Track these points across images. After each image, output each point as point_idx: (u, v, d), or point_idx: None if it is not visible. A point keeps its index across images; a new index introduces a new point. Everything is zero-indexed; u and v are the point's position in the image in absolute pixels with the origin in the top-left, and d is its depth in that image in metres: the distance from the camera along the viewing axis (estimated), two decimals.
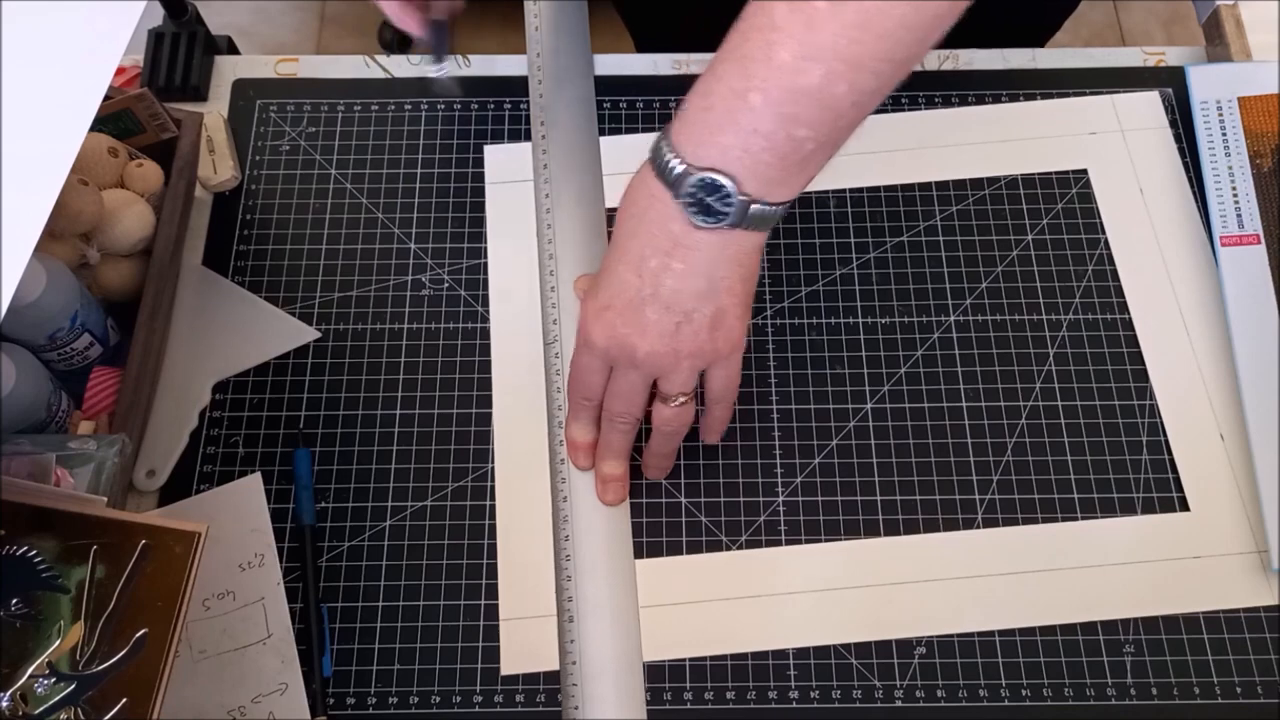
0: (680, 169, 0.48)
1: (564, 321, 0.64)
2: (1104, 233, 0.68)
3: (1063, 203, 0.70)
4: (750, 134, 0.47)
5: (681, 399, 0.55)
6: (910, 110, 0.72)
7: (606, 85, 0.74)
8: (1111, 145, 0.71)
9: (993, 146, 0.71)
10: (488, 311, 0.67)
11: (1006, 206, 0.70)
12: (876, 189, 0.70)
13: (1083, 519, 0.61)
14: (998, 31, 0.76)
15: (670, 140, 0.49)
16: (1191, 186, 0.70)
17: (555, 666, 0.57)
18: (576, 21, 0.73)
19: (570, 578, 0.58)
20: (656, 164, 0.50)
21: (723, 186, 0.48)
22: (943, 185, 0.70)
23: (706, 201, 0.48)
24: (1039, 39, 0.86)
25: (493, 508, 0.61)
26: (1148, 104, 0.72)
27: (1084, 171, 0.70)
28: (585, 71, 0.72)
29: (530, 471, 0.62)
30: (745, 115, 0.46)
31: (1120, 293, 0.67)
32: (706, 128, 0.48)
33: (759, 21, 0.46)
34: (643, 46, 0.94)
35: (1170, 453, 0.62)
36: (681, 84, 0.73)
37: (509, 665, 0.57)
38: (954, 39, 0.72)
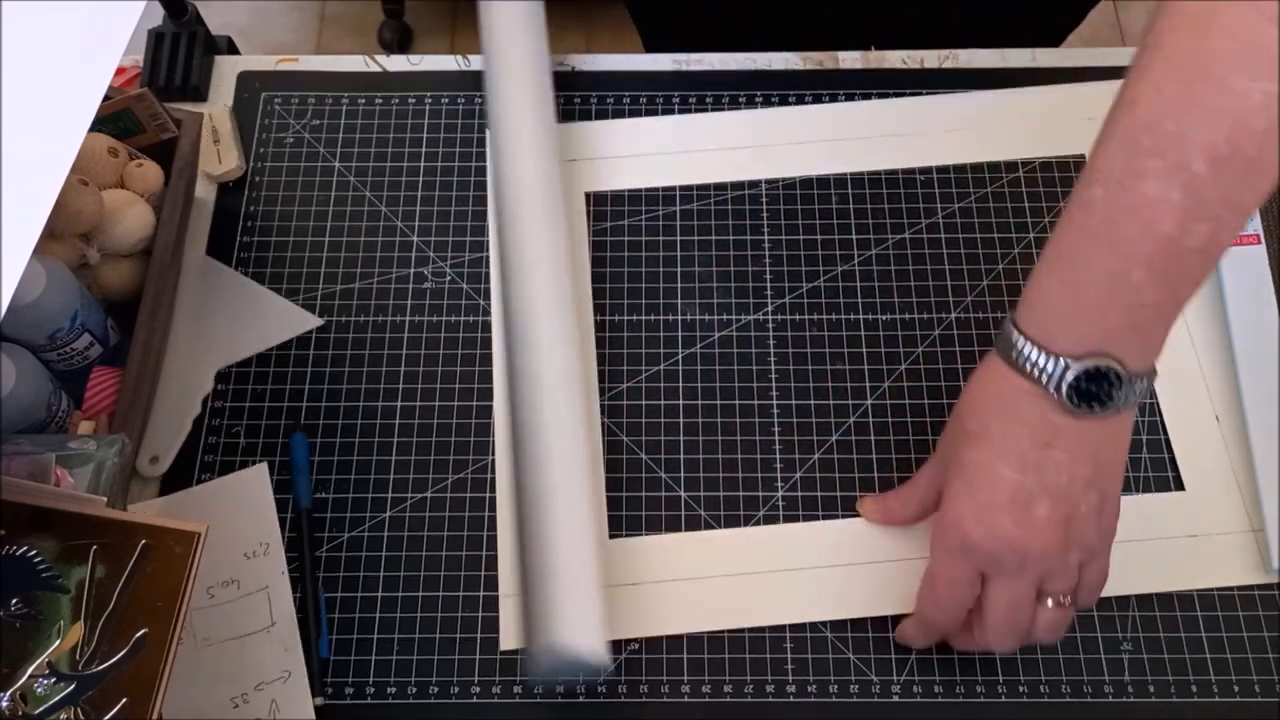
0: (1052, 360, 0.46)
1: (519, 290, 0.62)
2: None
3: (1064, 200, 0.70)
4: (1137, 309, 0.45)
5: (1065, 598, 0.51)
6: (911, 96, 0.73)
7: (606, 82, 0.74)
8: None
9: (990, 131, 0.71)
10: (489, 305, 0.67)
11: (1009, 204, 0.70)
12: (877, 176, 0.70)
13: None
14: (1014, 30, 0.76)
15: (1026, 331, 0.48)
16: None
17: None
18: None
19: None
20: (1014, 357, 0.48)
21: (1109, 371, 0.46)
22: (944, 181, 0.70)
23: (1091, 389, 0.46)
24: (1055, 37, 0.85)
25: (493, 500, 0.61)
26: None
27: (1083, 159, 0.70)
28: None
29: None
30: (1128, 293, 0.45)
31: None
32: (1081, 314, 0.46)
33: (1127, 202, 0.44)
34: (651, 46, 0.94)
35: (1166, 432, 0.63)
36: (681, 81, 0.74)
37: (508, 640, 0.58)
38: (970, 38, 0.72)
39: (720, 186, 0.70)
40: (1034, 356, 0.47)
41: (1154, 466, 0.62)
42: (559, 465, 0.56)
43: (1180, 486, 0.61)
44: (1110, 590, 0.57)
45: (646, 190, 0.70)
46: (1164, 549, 0.60)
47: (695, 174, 0.70)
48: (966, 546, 0.50)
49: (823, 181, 0.70)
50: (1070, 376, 0.46)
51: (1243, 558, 0.59)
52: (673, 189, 0.70)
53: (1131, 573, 0.58)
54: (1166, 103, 0.43)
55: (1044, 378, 0.47)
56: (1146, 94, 0.44)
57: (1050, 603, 0.51)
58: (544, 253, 0.61)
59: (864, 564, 0.60)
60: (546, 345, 0.59)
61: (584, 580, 0.54)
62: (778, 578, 0.59)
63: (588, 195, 0.70)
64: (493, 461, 0.62)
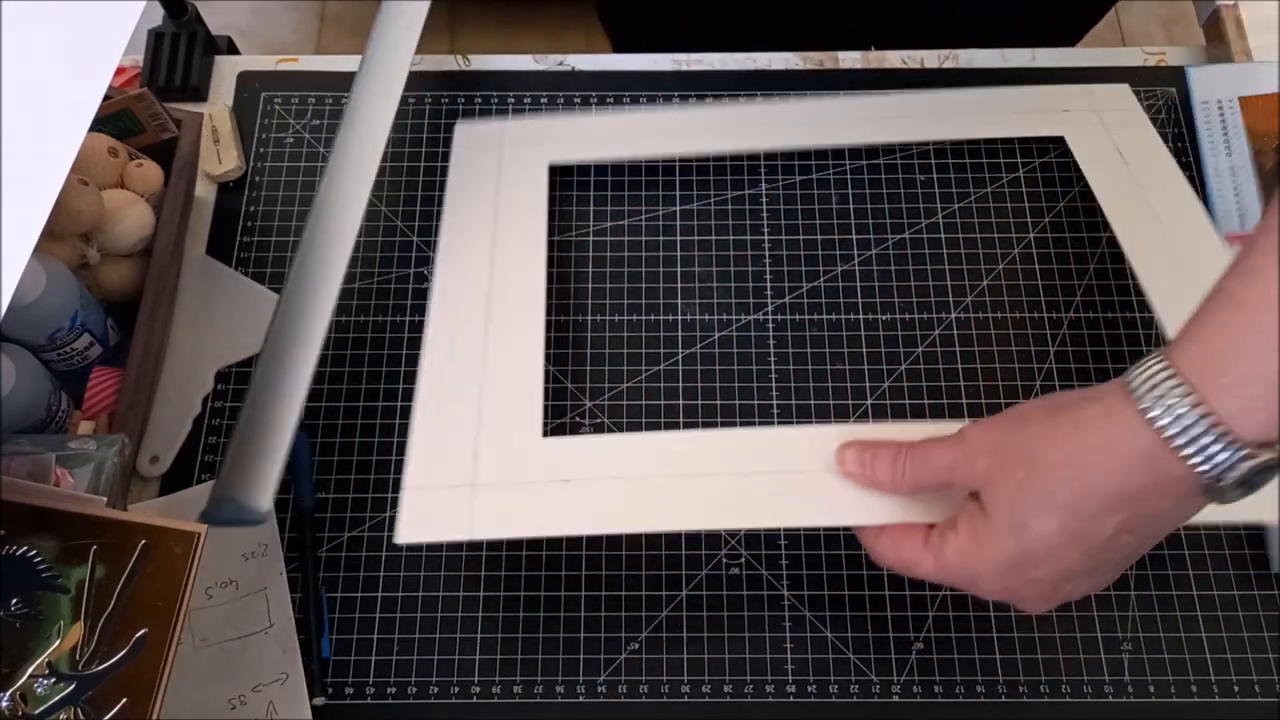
0: (1230, 451, 0.37)
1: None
2: (1105, 230, 0.68)
3: (1065, 200, 0.70)
4: None
5: None
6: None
7: (606, 82, 0.74)
8: (1099, 134, 0.71)
9: (979, 117, 0.72)
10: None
11: (1009, 204, 0.70)
12: (877, 177, 0.70)
13: None
14: (1015, 31, 0.76)
15: (1204, 402, 0.38)
16: (1192, 183, 0.70)
17: (462, 536, 0.53)
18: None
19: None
20: (1173, 430, 0.38)
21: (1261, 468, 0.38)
22: (944, 181, 0.70)
23: (1255, 481, 0.38)
24: (1060, 39, 0.85)
25: None
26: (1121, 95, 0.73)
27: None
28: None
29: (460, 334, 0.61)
30: None
31: (1123, 290, 0.67)
32: (1247, 401, 0.37)
33: None
34: (620, 48, 0.94)
35: None
36: (681, 81, 0.74)
37: (404, 534, 0.53)
38: (971, 38, 0.72)
39: (720, 172, 0.70)
40: (1207, 441, 0.37)
41: None
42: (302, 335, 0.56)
43: None
44: None
45: (612, 161, 0.71)
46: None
47: (670, 145, 0.70)
48: (971, 584, 0.46)
49: (823, 182, 0.70)
50: (1245, 469, 0.37)
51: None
52: (639, 163, 0.71)
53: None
54: None
55: (1210, 466, 0.38)
56: None
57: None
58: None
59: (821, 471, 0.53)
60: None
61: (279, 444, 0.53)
62: (732, 480, 0.54)
63: (552, 168, 0.69)
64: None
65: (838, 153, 0.71)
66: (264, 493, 0.52)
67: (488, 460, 0.56)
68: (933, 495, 0.49)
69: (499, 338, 0.61)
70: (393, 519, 0.61)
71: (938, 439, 0.47)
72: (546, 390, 0.64)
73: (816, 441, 0.53)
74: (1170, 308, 0.61)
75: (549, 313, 0.63)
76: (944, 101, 0.72)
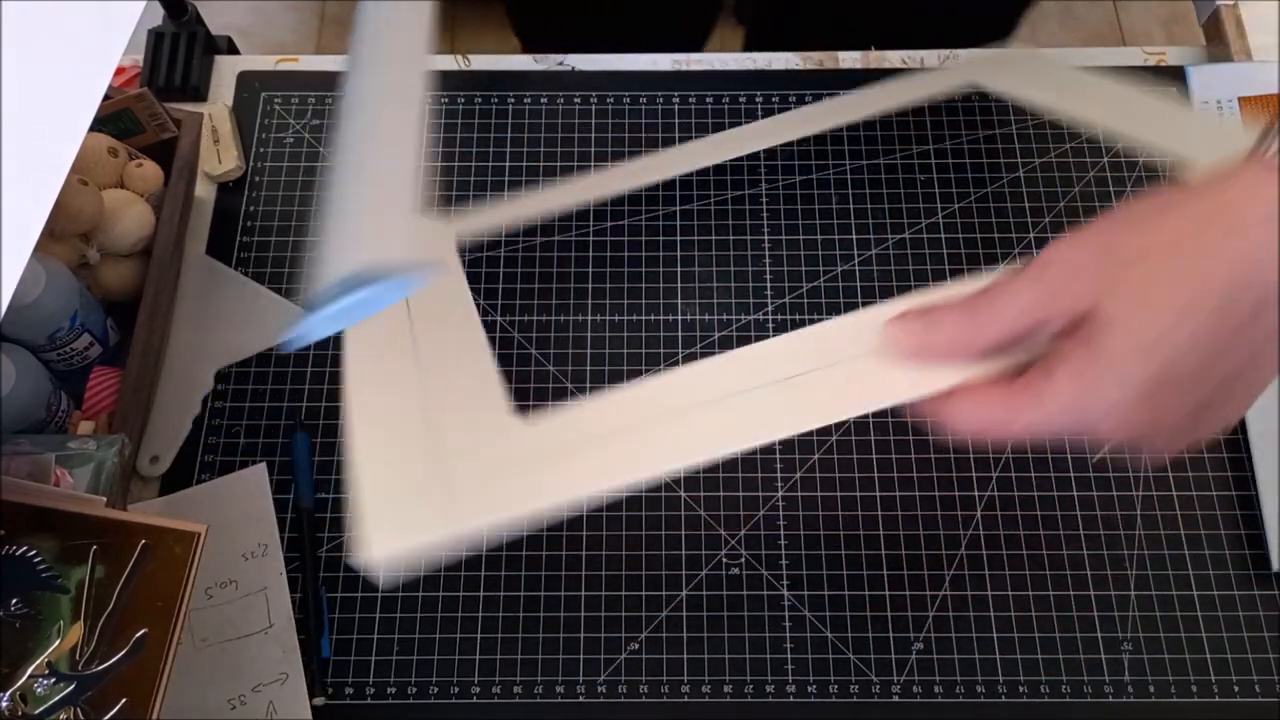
0: None
1: None
2: None
3: (1065, 200, 0.70)
4: None
5: None
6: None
7: (606, 82, 0.74)
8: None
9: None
10: (491, 305, 0.67)
11: (1009, 204, 0.70)
12: (878, 176, 0.70)
13: (1086, 536, 0.61)
14: (950, 31, 0.75)
15: None
16: None
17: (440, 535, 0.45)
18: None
19: None
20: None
21: None
22: (944, 181, 0.70)
23: None
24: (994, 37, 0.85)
25: None
26: None
27: (1086, 169, 0.70)
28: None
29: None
30: None
31: None
32: None
33: None
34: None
35: None
36: (681, 81, 0.74)
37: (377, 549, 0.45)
38: (971, 38, 0.72)
39: (720, 171, 0.70)
40: None
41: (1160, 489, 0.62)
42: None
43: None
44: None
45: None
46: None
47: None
48: (1090, 427, 0.37)
49: (823, 182, 0.70)
50: None
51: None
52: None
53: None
54: None
55: None
56: None
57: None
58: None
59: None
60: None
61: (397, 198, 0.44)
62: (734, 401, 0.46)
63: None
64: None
65: (838, 153, 0.71)
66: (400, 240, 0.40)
67: (455, 444, 0.47)
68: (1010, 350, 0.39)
69: (430, 343, 0.52)
70: None
71: (1006, 280, 0.38)
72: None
73: (839, 333, 0.43)
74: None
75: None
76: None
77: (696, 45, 0.97)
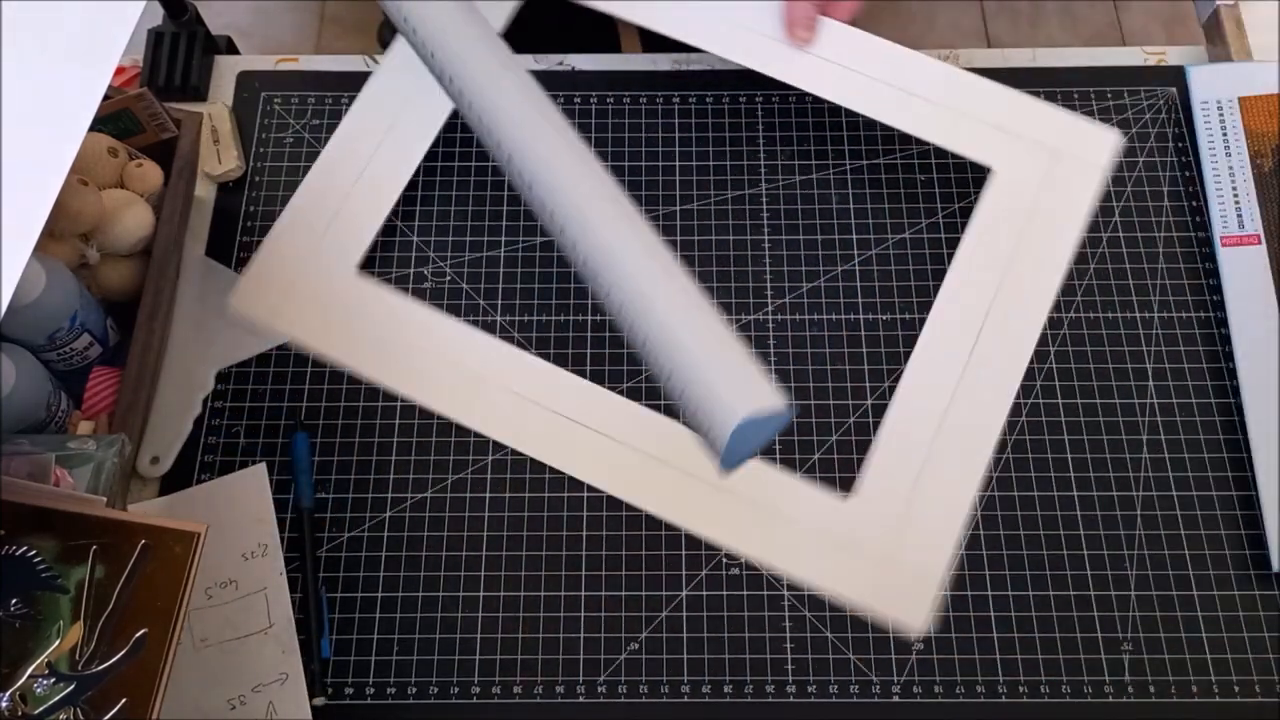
0: None
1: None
2: (1105, 230, 0.68)
3: None
4: None
5: None
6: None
7: (606, 82, 0.74)
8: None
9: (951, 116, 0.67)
10: (491, 305, 0.67)
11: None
12: (877, 175, 0.70)
13: (1085, 531, 0.61)
14: None
15: None
16: (1188, 186, 0.70)
17: (271, 324, 0.64)
18: None
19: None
20: None
21: None
22: (944, 181, 0.70)
23: None
24: None
25: (493, 500, 0.61)
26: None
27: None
28: None
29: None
30: None
31: (1123, 290, 0.67)
32: None
33: None
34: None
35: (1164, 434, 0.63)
36: (681, 81, 0.74)
37: (239, 302, 0.64)
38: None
39: (720, 172, 0.70)
40: None
41: (1159, 486, 0.62)
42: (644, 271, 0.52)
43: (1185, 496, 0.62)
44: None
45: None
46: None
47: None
48: None
49: (823, 182, 0.70)
50: None
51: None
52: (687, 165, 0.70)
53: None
54: None
55: None
56: None
57: None
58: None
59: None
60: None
61: (726, 350, 0.49)
62: None
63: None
64: (492, 461, 0.62)
65: (838, 153, 0.71)
66: (767, 394, 0.47)
67: (312, 274, 0.64)
68: None
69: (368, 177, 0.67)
70: (393, 519, 0.61)
71: None
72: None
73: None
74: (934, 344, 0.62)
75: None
76: (918, 76, 0.67)
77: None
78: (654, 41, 0.72)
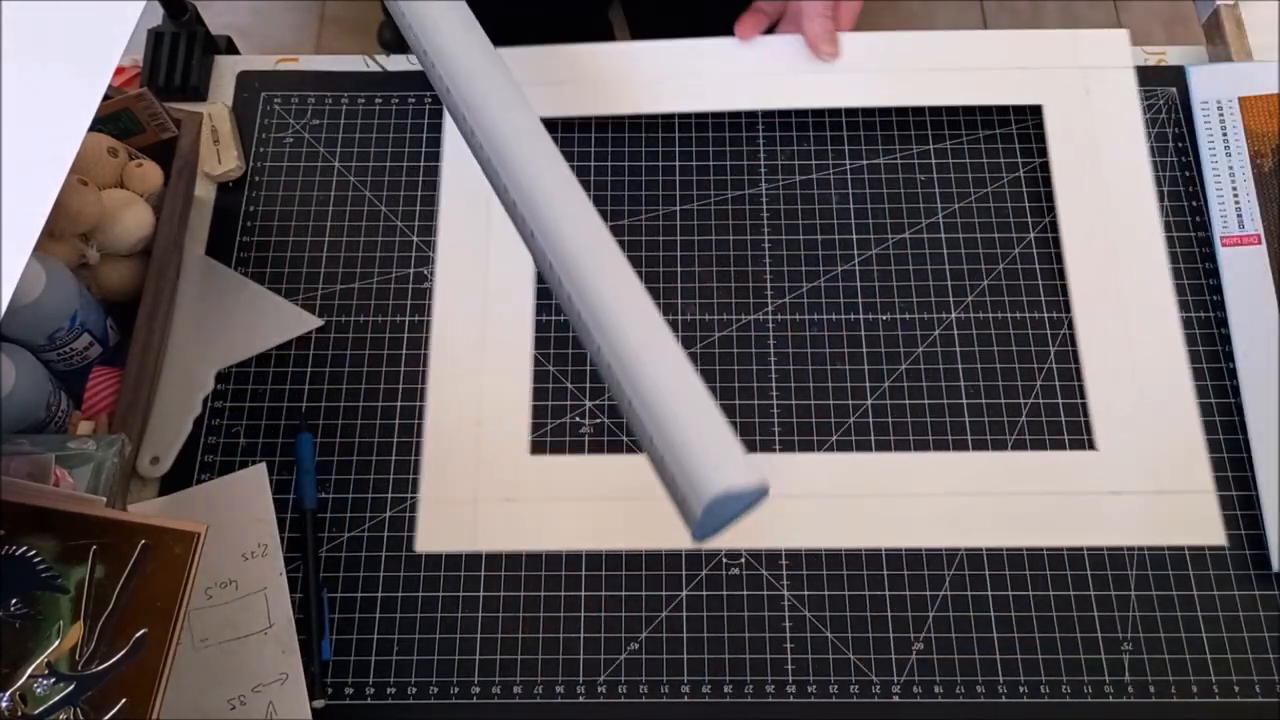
0: None
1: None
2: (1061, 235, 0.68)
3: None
4: None
5: None
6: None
7: None
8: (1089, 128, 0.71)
9: (959, 74, 0.71)
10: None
11: (1009, 204, 0.69)
12: (876, 169, 0.70)
13: (1079, 528, 0.61)
14: None
15: None
16: (1188, 186, 0.70)
17: (472, 549, 0.60)
18: None
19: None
20: None
21: None
22: (944, 181, 0.70)
23: None
24: None
25: None
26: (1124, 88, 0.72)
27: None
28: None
29: (462, 353, 0.64)
30: None
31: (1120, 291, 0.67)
32: None
33: None
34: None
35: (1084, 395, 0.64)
36: None
37: (424, 543, 0.60)
38: None
39: (720, 172, 0.70)
40: None
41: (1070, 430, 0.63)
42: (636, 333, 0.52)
43: (1092, 446, 0.63)
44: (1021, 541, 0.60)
45: (613, 118, 0.71)
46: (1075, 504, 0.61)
47: (684, 102, 0.70)
48: None
49: (823, 182, 0.70)
50: None
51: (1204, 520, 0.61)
52: (654, 118, 0.71)
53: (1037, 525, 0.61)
54: None
55: None
56: None
57: None
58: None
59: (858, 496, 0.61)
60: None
61: (708, 422, 0.50)
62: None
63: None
64: (424, 373, 0.64)
65: (838, 153, 0.71)
66: (738, 466, 0.48)
67: (485, 478, 0.60)
68: None
69: (493, 360, 0.64)
70: (393, 519, 0.61)
71: None
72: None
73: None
74: (1087, 308, 0.65)
75: (537, 330, 0.66)
76: (923, 52, 0.71)
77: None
78: (645, 35, 0.72)
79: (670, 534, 0.56)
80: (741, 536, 0.57)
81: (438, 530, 0.60)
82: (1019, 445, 0.63)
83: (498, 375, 0.64)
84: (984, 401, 0.64)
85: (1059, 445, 0.63)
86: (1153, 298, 0.66)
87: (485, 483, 0.61)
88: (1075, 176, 0.68)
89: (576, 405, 0.64)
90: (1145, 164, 0.68)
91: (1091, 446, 0.62)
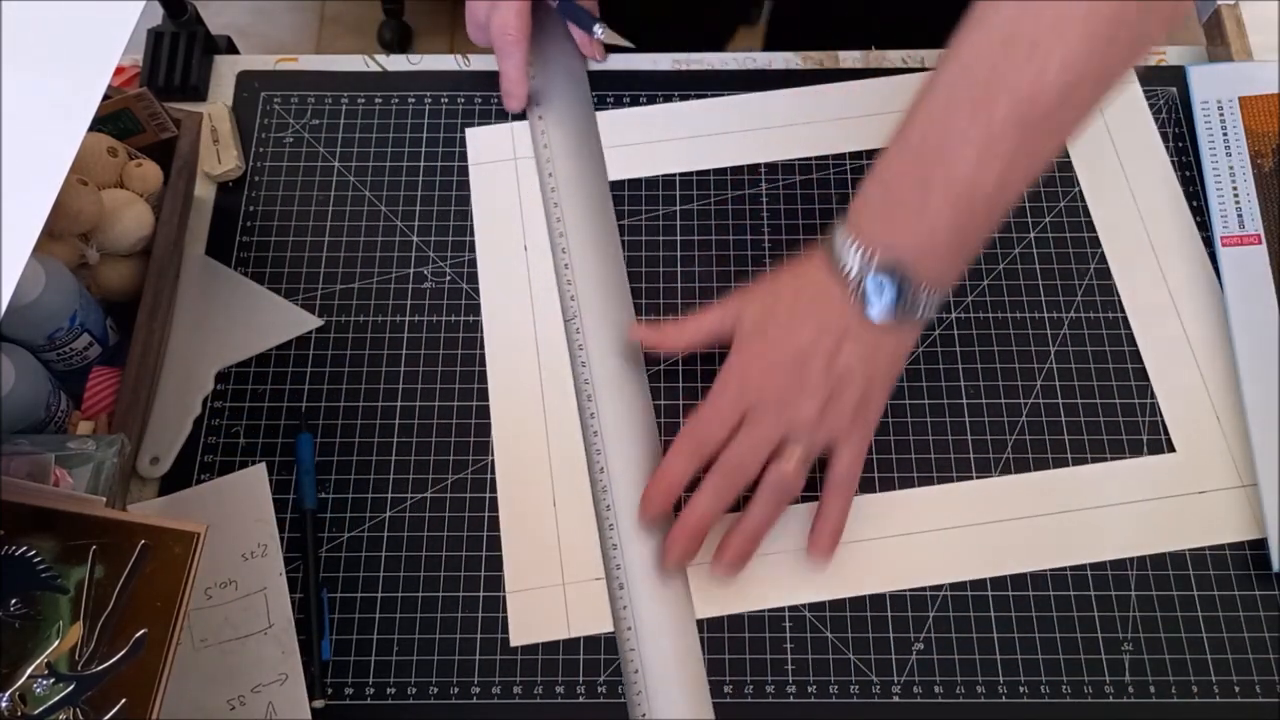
0: (860, 262, 0.53)
1: (581, 298, 0.65)
2: (1098, 232, 0.68)
3: (1065, 200, 0.70)
4: (930, 233, 0.52)
5: (796, 463, 0.56)
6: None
7: (605, 82, 0.74)
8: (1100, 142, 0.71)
9: None
10: (484, 303, 0.67)
11: None
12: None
13: (1081, 510, 0.61)
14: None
15: (849, 235, 0.54)
16: (1188, 186, 0.70)
17: (562, 635, 0.58)
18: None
19: (616, 545, 0.59)
20: (833, 254, 0.55)
21: (900, 281, 0.53)
22: None
23: (883, 294, 0.53)
24: None
25: (493, 500, 0.61)
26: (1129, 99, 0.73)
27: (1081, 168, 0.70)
28: (574, 53, 0.74)
29: (532, 442, 0.63)
30: (926, 215, 0.52)
31: (1119, 291, 0.67)
32: (887, 225, 0.53)
33: (938, 136, 0.51)
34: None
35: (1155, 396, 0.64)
36: (681, 80, 0.74)
37: (518, 637, 0.58)
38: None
39: (720, 173, 0.70)
40: (846, 253, 0.54)
41: (1149, 429, 0.63)
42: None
43: (1171, 449, 0.63)
44: (1115, 553, 0.60)
45: (646, 178, 0.71)
46: (1163, 508, 0.61)
47: (692, 160, 0.71)
48: (743, 388, 0.56)
49: (823, 181, 0.70)
50: (869, 274, 0.53)
51: (1235, 516, 0.61)
52: (671, 176, 0.70)
53: (1131, 534, 0.60)
54: (986, 56, 0.50)
55: (850, 273, 0.54)
56: (971, 47, 0.51)
57: (785, 461, 0.56)
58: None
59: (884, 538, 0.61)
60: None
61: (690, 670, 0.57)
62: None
63: None
64: (492, 461, 0.62)
65: (838, 153, 0.71)
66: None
67: (569, 560, 0.60)
68: None
69: (558, 438, 0.63)
70: (393, 519, 0.61)
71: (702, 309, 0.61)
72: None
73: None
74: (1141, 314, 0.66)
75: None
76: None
77: (718, 46, 0.97)
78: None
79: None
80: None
81: (529, 623, 0.59)
82: (1019, 447, 0.63)
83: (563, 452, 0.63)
84: (984, 401, 0.64)
85: (1060, 448, 0.63)
86: (1157, 295, 0.66)
87: (570, 565, 0.60)
88: (1096, 175, 0.69)
89: (422, 258, 0.65)
90: (1160, 153, 0.70)
91: (1102, 450, 0.62)
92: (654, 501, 0.58)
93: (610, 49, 0.74)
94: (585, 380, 0.63)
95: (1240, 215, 0.67)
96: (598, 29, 0.70)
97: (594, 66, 0.75)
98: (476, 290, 0.67)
